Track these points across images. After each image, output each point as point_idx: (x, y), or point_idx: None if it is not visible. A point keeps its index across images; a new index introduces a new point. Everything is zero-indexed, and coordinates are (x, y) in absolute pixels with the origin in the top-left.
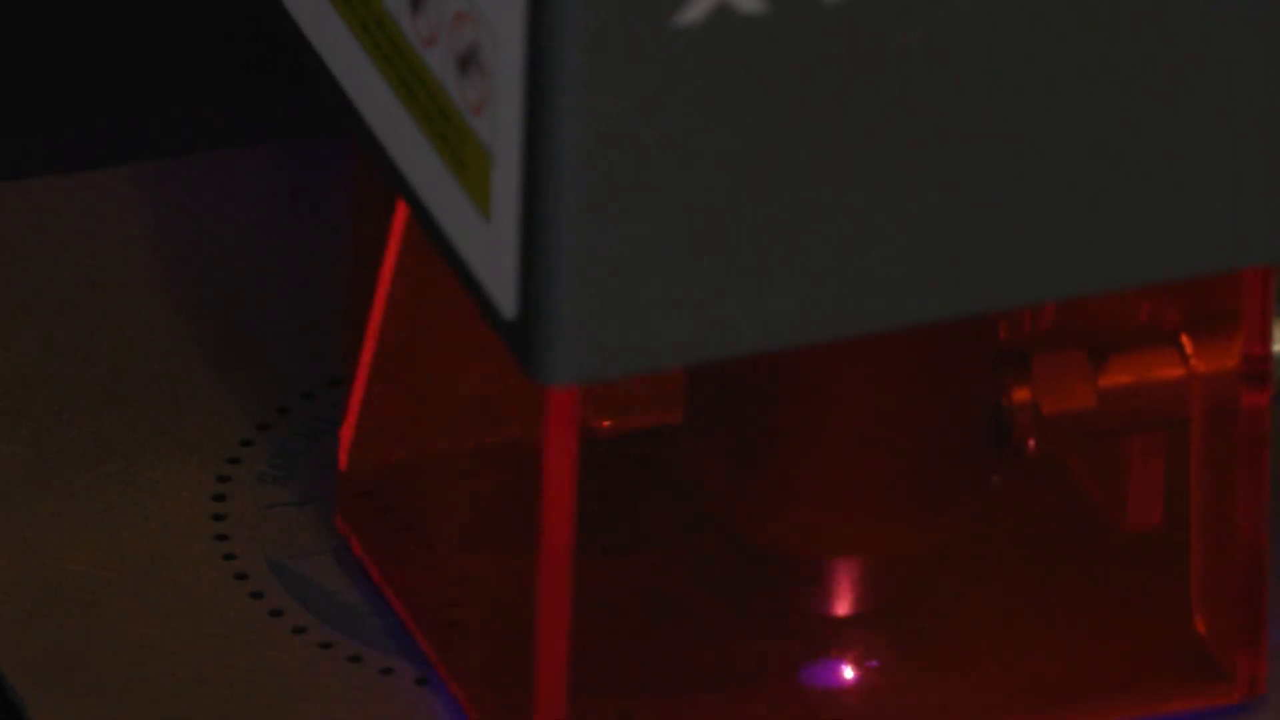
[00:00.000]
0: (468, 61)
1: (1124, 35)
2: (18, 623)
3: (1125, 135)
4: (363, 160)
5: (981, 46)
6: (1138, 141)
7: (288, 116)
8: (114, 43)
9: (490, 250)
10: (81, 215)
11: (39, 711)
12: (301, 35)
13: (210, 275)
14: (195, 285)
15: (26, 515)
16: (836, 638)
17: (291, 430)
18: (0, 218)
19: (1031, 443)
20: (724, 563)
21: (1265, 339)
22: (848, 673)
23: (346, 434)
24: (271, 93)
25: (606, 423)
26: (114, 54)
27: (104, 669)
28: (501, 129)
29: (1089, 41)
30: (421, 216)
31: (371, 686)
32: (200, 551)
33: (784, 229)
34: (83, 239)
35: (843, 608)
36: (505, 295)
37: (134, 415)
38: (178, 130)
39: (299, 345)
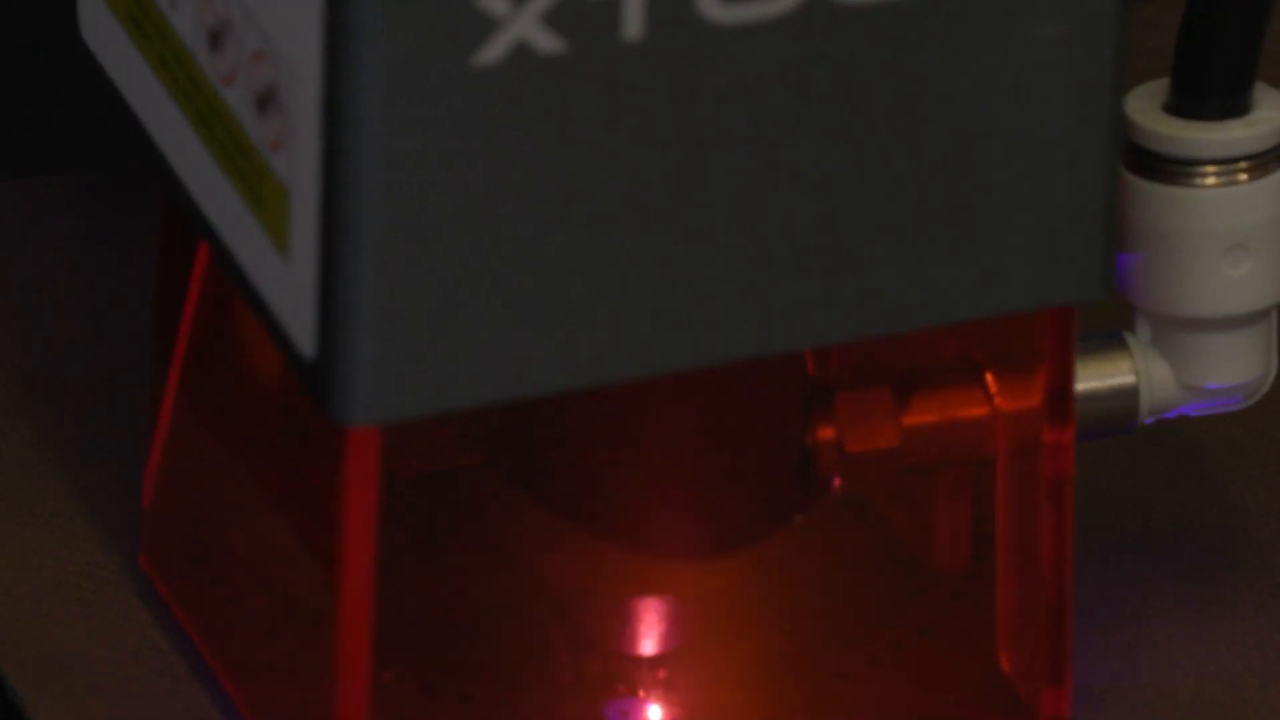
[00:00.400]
0: (266, 99)
1: (927, 80)
2: (18, 623)
3: (927, 177)
4: (167, 197)
5: (784, 87)
6: (940, 183)
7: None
8: None
9: (289, 289)
10: (81, 216)
11: (39, 711)
12: (103, 70)
13: None
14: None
15: (26, 515)
16: (640, 676)
17: None
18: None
19: (837, 481)
20: (528, 603)
21: (1066, 377)
22: (653, 713)
23: (150, 473)
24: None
25: (413, 463)
26: None
27: (104, 670)
28: (299, 166)
29: (892, 87)
30: (221, 255)
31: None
32: None
33: (587, 268)
34: (83, 239)
35: (647, 647)
36: (304, 335)
37: (134, 415)
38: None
39: None
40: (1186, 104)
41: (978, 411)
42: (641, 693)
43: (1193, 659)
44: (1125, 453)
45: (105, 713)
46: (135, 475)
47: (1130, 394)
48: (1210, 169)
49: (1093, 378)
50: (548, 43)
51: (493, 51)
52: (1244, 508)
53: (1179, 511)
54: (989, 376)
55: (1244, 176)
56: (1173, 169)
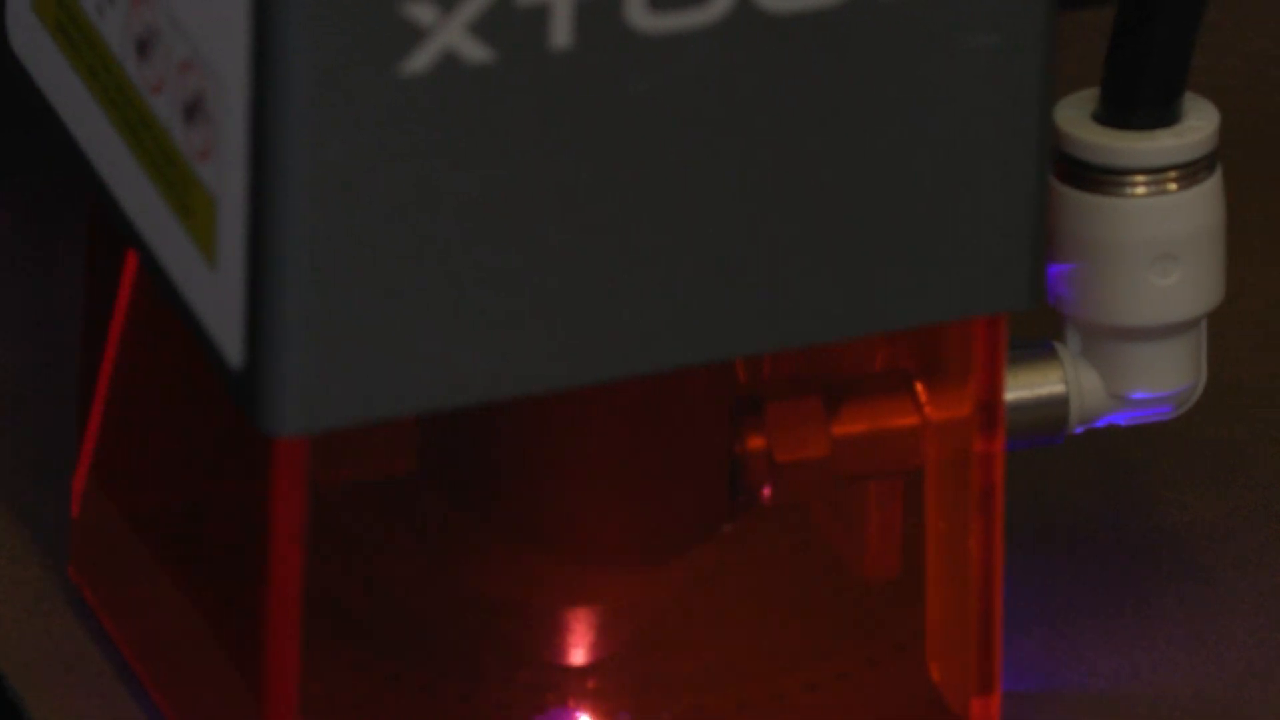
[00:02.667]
0: (193, 109)
1: (856, 90)
2: (18, 623)
3: (856, 186)
4: (95, 207)
5: (712, 96)
6: (869, 193)
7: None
8: None
9: (216, 298)
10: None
11: (39, 712)
12: (32, 79)
13: None
14: None
15: (26, 515)
16: (570, 686)
17: None
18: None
19: (766, 490)
20: (456, 613)
21: (996, 387)
22: None
23: (79, 482)
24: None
25: (342, 473)
26: None
27: (104, 669)
28: (226, 176)
29: (821, 96)
30: (149, 264)
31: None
32: None
33: (516, 277)
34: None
35: (576, 656)
36: (232, 345)
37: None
38: None
39: None
40: (1116, 113)
41: (907, 421)
42: (571, 702)
43: (1193, 659)
44: (1126, 453)
45: (105, 713)
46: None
47: (1060, 403)
48: (1140, 178)
49: (1023, 387)
50: (476, 52)
51: (420, 60)
52: (1244, 508)
53: (1179, 511)
54: (919, 386)
55: (1174, 186)
56: (1102, 178)
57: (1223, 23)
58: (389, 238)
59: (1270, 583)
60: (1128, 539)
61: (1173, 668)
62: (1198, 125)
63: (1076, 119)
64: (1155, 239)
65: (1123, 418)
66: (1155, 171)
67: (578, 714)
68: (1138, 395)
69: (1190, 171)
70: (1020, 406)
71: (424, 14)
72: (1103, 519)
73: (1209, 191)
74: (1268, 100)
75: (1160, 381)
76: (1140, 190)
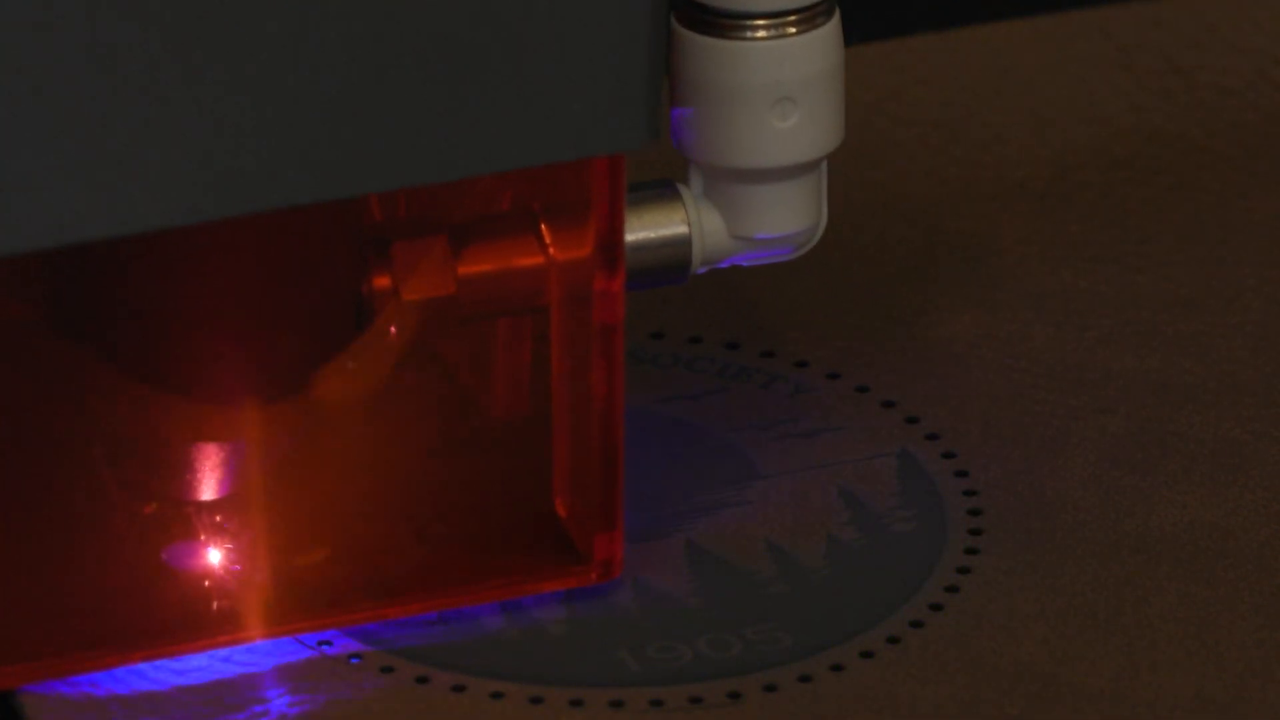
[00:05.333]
0: None
1: None
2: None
3: (470, 24)
4: None
5: None
6: (483, 31)
7: None
8: None
9: None
10: None
11: (39, 711)
12: None
13: None
14: None
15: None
16: (200, 521)
17: None
18: None
19: (393, 329)
20: (82, 450)
21: (616, 226)
22: (212, 555)
23: None
24: None
25: None
26: None
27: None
28: None
29: None
30: None
31: (371, 685)
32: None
33: (124, 116)
34: None
35: (206, 492)
36: None
37: None
38: None
39: None
40: None
41: (532, 260)
42: (202, 536)
43: (1193, 659)
44: (1126, 453)
45: (105, 713)
46: None
47: (683, 244)
48: (760, 22)
49: (646, 228)
50: None
51: None
52: (1244, 508)
53: (1179, 511)
54: (543, 226)
55: (793, 30)
56: (723, 22)
57: (1222, 23)
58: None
59: (1270, 583)
60: (1128, 539)
61: (1173, 668)
62: None
63: None
64: (774, 82)
65: (745, 259)
66: (774, 16)
67: (208, 547)
68: (759, 236)
69: (809, 16)
70: (643, 247)
71: None
72: (1103, 519)
73: (827, 35)
74: (1268, 100)
75: (781, 223)
76: (760, 34)
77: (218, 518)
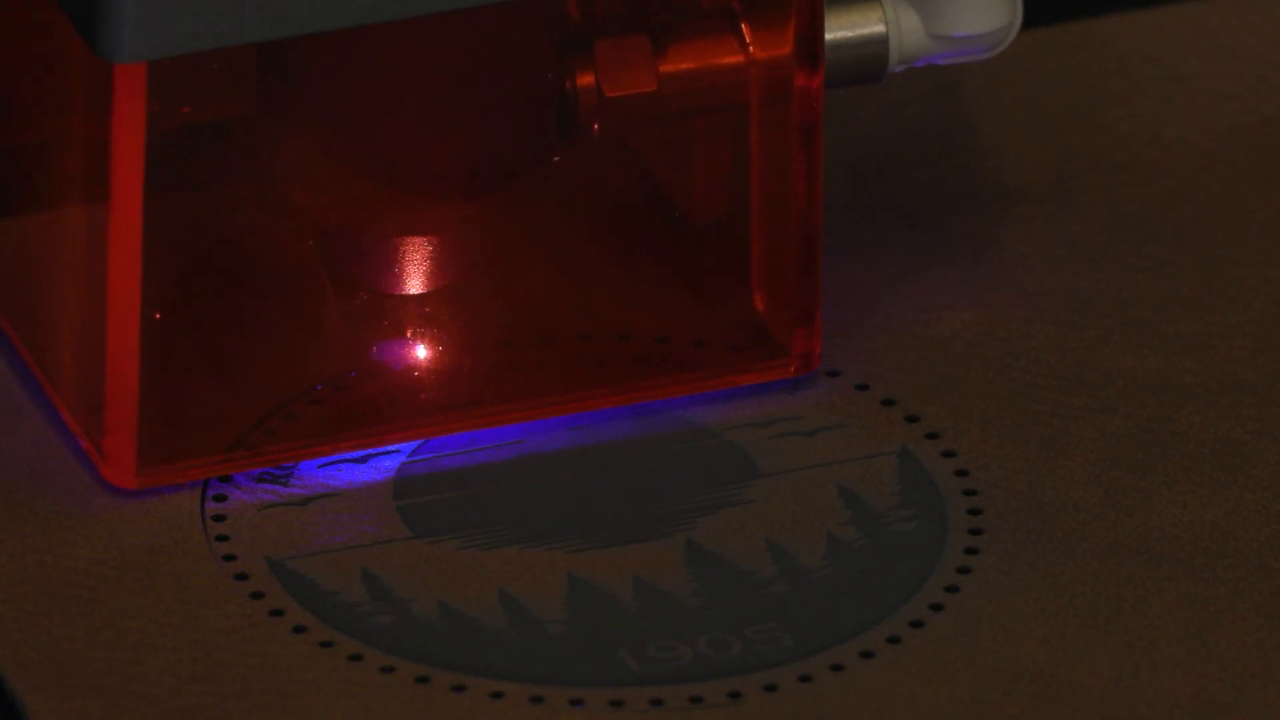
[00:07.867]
0: None
1: None
2: (18, 623)
3: None
4: None
5: None
6: None
7: None
8: None
9: None
10: None
11: (39, 711)
12: None
13: None
14: None
15: (26, 515)
16: (407, 314)
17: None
18: None
19: (595, 126)
20: (294, 244)
21: (817, 24)
22: (420, 351)
23: None
24: None
25: (183, 110)
26: None
27: (104, 669)
28: None
29: None
30: None
31: (371, 685)
32: (200, 552)
33: None
34: None
35: (413, 286)
36: None
37: None
38: None
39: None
40: None
41: (732, 59)
42: (409, 331)
43: (1193, 659)
44: (1126, 453)
45: (105, 713)
46: None
47: (880, 42)
48: None
49: (844, 27)
50: None
51: None
52: (1244, 508)
53: (1179, 511)
54: (744, 25)
55: None
56: None
57: (1221, 29)
58: None
59: (1270, 583)
60: (1128, 539)
61: (1173, 668)
62: None
63: None
64: None
65: (941, 58)
66: None
67: (416, 342)
68: (956, 34)
69: None
70: (842, 45)
71: None
72: (1103, 519)
73: None
74: (1267, 104)
75: (977, 20)
76: None
77: (426, 310)
